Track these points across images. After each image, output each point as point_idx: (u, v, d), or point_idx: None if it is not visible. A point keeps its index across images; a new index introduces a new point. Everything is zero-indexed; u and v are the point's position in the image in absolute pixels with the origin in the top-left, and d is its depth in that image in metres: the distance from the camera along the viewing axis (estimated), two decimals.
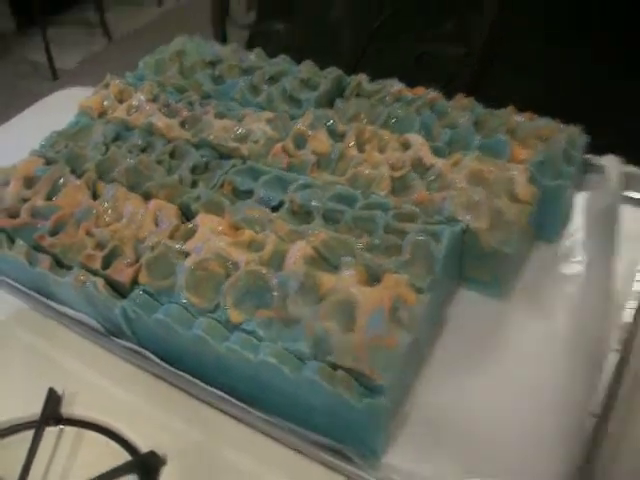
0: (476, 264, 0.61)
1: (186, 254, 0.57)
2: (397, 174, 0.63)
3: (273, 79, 0.77)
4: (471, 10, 0.91)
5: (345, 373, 0.48)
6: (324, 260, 0.55)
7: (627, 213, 0.68)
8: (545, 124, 0.69)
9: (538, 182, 0.62)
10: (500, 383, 0.56)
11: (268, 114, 0.72)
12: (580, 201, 0.70)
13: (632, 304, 0.60)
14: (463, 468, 0.50)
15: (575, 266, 0.64)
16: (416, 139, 0.66)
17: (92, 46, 2.56)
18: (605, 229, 0.66)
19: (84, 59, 2.45)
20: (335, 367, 0.49)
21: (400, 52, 0.98)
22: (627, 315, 0.59)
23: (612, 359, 0.55)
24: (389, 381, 0.48)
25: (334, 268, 0.55)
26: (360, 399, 0.47)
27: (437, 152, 0.65)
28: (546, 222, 0.66)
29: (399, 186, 0.63)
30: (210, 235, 0.57)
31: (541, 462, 0.50)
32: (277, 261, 0.55)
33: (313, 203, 0.60)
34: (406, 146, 0.66)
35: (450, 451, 0.51)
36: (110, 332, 0.59)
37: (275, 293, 0.53)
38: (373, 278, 0.54)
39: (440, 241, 0.55)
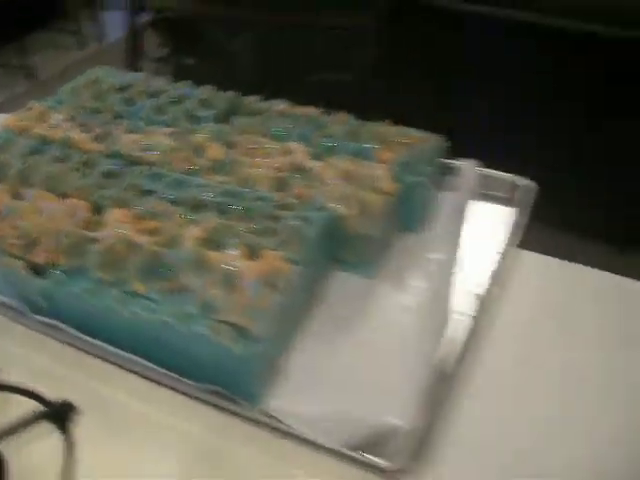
0: (347, 247, 0.72)
1: (97, 240, 0.66)
2: (279, 174, 0.74)
3: (177, 101, 0.88)
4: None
5: (229, 327, 0.59)
6: (213, 241, 0.66)
7: (481, 208, 0.81)
8: (410, 132, 0.81)
9: (400, 179, 0.73)
10: (365, 344, 0.67)
11: (171, 129, 0.82)
12: (440, 198, 0.81)
13: (485, 280, 0.72)
14: (332, 408, 0.60)
15: (434, 252, 0.76)
16: (297, 147, 0.77)
17: (16, 88, 2.63)
18: (460, 221, 0.78)
19: (6, 99, 2.52)
20: (220, 323, 0.59)
21: (300, 80, 1.09)
22: (481, 288, 0.71)
23: (466, 323, 0.67)
24: (264, 332, 0.58)
25: (221, 247, 0.65)
26: (240, 347, 0.57)
27: (315, 157, 0.77)
28: (410, 215, 0.77)
29: (281, 185, 0.73)
30: (118, 224, 0.67)
31: (398, 407, 0.60)
32: (174, 243, 0.65)
33: (207, 198, 0.71)
34: (288, 153, 0.77)
35: (321, 396, 0.62)
36: (31, 310, 0.68)
37: (171, 268, 0.63)
38: (254, 255, 0.64)
39: (312, 224, 0.66)
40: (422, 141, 0.79)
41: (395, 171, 0.74)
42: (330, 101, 0.90)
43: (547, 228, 0.78)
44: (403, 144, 0.78)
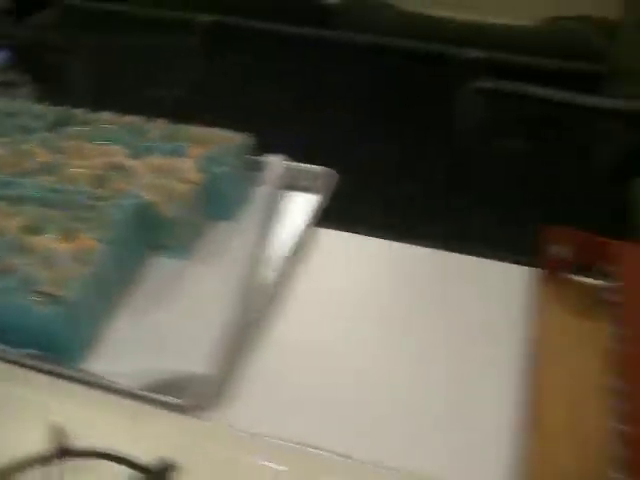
0: (161, 233, 0.82)
1: None
2: (99, 173, 0.84)
3: (12, 115, 0.97)
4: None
5: (44, 296, 0.68)
6: (34, 228, 0.75)
7: (289, 196, 0.93)
8: (219, 132, 0.92)
9: (205, 170, 0.84)
10: (177, 314, 0.77)
11: (4, 139, 0.91)
12: (252, 190, 0.92)
13: (289, 253, 0.84)
14: (145, 365, 0.70)
15: (244, 236, 0.86)
16: (116, 149, 0.88)
17: None
18: (269, 209, 0.89)
19: None
20: (36, 294, 0.68)
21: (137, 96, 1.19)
22: (284, 260, 0.83)
23: (269, 289, 0.79)
24: (73, 297, 0.68)
25: (41, 233, 0.74)
26: (51, 310, 0.67)
27: (134, 157, 0.87)
28: (221, 204, 0.88)
29: (100, 181, 0.83)
30: None
31: (198, 358, 0.70)
32: None
33: (31, 194, 0.80)
34: (108, 155, 0.87)
35: (137, 357, 0.71)
36: None
37: None
38: (70, 238, 0.74)
39: (121, 209, 0.76)
40: (229, 139, 0.90)
41: (201, 164, 0.84)
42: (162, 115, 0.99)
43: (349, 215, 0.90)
44: (212, 142, 0.89)
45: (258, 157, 0.95)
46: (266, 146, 0.95)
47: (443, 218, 1.10)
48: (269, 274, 0.81)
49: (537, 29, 2.04)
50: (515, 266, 0.84)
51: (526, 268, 0.83)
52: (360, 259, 0.88)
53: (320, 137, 1.17)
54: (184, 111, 1.14)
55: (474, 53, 1.56)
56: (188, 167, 0.84)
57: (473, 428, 0.67)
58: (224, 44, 1.11)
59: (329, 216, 0.91)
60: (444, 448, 0.65)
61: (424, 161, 1.20)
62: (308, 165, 0.96)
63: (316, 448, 0.63)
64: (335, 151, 1.05)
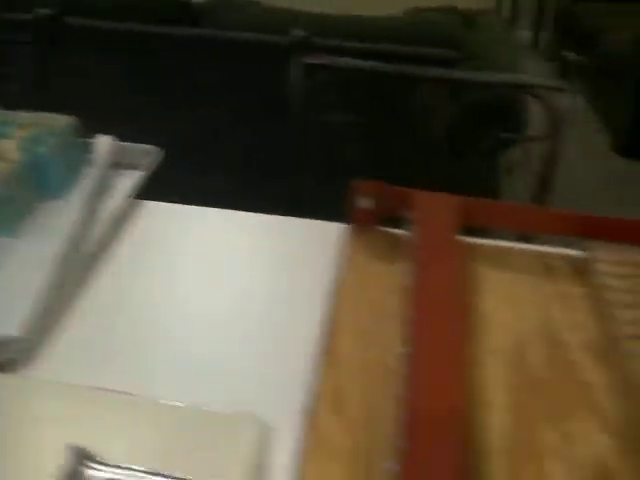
0: None
1: None
2: None
3: None
4: None
5: None
6: None
7: (115, 174, 0.97)
8: (47, 115, 0.95)
9: (27, 150, 0.88)
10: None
11: None
12: (82, 169, 0.96)
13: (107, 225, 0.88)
14: None
15: (70, 213, 0.90)
16: None
17: None
18: (97, 187, 0.93)
19: None
20: None
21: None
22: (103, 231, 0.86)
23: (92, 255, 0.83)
24: None
25: None
26: None
27: None
28: (47, 184, 0.91)
29: None
30: None
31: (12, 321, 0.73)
32: None
33: None
34: None
35: None
36: None
37: None
38: None
39: None
40: (54, 121, 0.94)
41: (23, 144, 0.88)
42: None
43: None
44: (38, 125, 0.93)
45: (87, 139, 0.98)
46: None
47: (276, 189, 1.15)
48: (91, 245, 0.85)
49: (399, 19, 2.12)
50: (331, 223, 0.90)
51: (341, 225, 0.89)
52: (182, 226, 0.92)
53: (162, 126, 1.21)
54: (24, 105, 1.17)
55: (329, 40, 1.62)
56: (10, 147, 0.87)
57: (280, 364, 0.72)
58: (63, 40, 1.15)
59: (156, 190, 0.95)
60: (254, 382, 0.70)
61: (265, 141, 1.26)
62: (134, 144, 1.00)
63: (129, 394, 0.66)
64: (176, 136, 1.10)
